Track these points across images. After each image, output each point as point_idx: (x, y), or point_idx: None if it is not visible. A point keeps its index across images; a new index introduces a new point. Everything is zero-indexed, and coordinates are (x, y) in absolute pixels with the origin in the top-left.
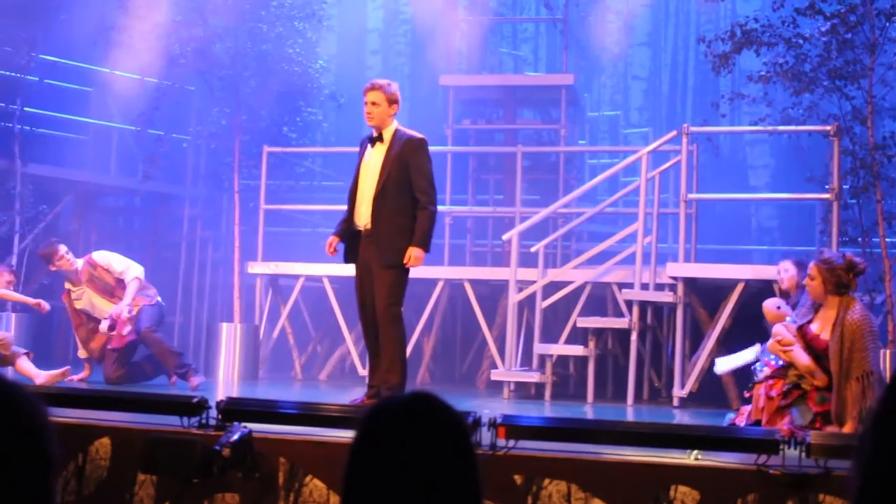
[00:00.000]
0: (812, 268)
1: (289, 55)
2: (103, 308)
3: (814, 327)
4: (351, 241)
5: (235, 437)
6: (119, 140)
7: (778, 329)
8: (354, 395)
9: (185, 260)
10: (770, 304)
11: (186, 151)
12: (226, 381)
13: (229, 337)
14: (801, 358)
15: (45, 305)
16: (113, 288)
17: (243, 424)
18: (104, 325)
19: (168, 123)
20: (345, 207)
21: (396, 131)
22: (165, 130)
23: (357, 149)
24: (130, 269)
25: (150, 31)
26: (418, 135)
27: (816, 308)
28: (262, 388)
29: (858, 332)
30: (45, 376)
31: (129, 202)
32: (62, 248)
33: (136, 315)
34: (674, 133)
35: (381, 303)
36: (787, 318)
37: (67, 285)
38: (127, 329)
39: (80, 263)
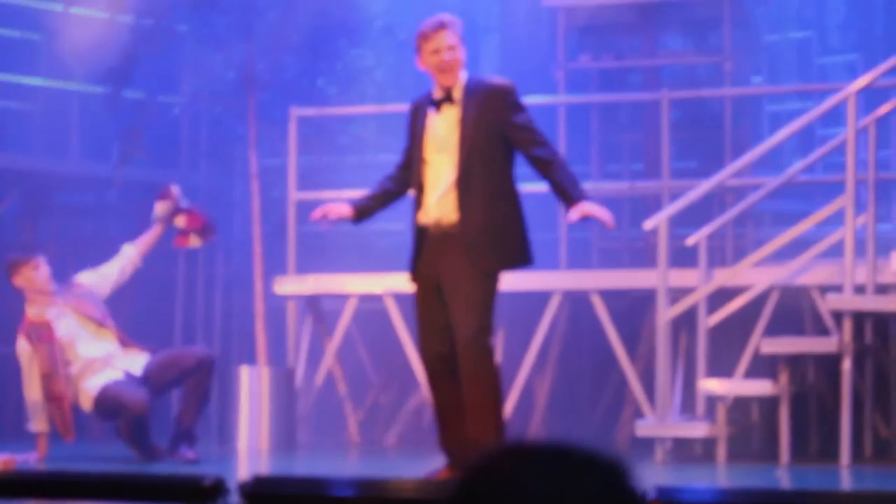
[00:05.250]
0: None
1: None
2: (90, 338)
3: None
4: (417, 245)
5: None
6: (82, 109)
7: None
8: (436, 464)
9: (183, 277)
10: None
11: (179, 120)
12: (250, 452)
13: (252, 386)
14: None
15: None
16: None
17: None
18: None
19: (152, 81)
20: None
21: (468, 83)
22: (148, 92)
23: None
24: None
25: None
26: (500, 79)
27: None
28: (302, 460)
29: None
30: None
31: (100, 197)
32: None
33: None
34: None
35: (466, 329)
36: None
37: (33, 311)
38: None
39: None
